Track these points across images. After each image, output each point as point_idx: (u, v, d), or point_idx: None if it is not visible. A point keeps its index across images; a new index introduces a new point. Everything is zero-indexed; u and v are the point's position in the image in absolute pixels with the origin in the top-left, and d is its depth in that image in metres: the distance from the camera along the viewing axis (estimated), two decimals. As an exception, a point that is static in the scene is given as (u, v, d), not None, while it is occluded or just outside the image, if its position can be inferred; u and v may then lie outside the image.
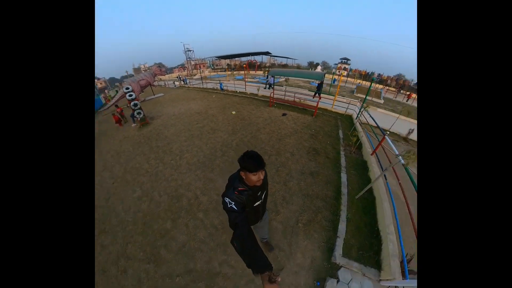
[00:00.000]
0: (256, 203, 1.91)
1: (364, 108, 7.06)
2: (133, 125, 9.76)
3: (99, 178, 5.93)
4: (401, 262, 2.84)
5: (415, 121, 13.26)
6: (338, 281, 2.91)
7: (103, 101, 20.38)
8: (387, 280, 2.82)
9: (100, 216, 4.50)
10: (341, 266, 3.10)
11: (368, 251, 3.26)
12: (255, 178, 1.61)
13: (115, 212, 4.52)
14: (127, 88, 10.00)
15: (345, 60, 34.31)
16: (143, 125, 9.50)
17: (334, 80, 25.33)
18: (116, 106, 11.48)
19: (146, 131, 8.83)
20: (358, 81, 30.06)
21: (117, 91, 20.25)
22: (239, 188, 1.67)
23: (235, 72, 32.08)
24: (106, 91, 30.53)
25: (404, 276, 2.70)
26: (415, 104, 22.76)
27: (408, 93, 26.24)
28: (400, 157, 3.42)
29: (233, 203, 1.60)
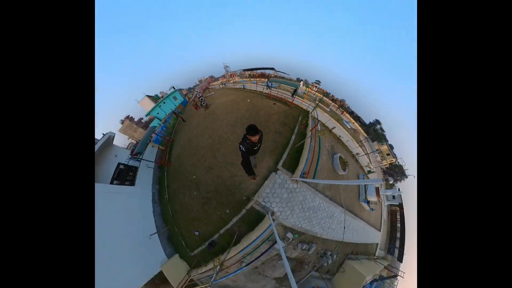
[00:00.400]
0: (254, 148, 2.03)
1: (314, 108, 7.32)
2: (202, 109, 10.19)
3: (191, 134, 6.96)
4: (302, 173, 3.74)
5: (337, 123, 13.31)
6: (276, 173, 3.77)
7: (188, 100, 20.96)
8: (295, 177, 3.65)
9: (195, 144, 5.87)
10: (279, 169, 3.87)
11: (292, 166, 3.97)
12: (254, 138, 1.66)
13: (200, 143, 5.81)
14: (197, 92, 10.89)
15: (318, 81, 32.52)
16: (206, 109, 9.83)
17: (306, 91, 24.50)
18: (193, 101, 12.07)
19: (208, 111, 9.10)
20: (321, 95, 29.03)
21: (192, 94, 21.10)
22: (247, 141, 1.73)
23: (252, 79, 30.58)
24: (188, 95, 31.22)
25: (300, 176, 3.65)
26: (343, 117, 22.41)
27: (342, 110, 25.41)
28: (319, 132, 4.36)
29: (243, 147, 1.73)
